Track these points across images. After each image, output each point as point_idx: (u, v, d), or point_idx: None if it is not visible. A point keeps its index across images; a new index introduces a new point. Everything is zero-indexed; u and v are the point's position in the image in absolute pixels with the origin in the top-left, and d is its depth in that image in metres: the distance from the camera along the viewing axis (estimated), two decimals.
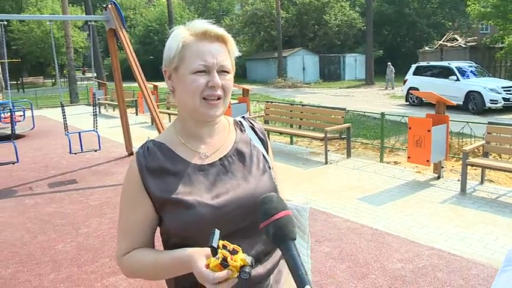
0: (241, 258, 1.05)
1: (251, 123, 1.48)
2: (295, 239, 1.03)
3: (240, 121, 1.47)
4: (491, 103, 15.10)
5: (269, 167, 1.40)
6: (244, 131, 1.44)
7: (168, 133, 1.38)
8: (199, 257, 1.10)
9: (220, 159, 1.33)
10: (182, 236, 1.24)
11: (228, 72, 1.27)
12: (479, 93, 15.24)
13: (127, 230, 1.30)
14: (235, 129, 1.43)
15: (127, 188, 1.31)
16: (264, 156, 1.41)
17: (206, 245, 1.09)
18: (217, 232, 1.07)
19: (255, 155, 1.39)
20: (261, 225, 1.05)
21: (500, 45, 23.17)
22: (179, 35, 1.26)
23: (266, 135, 1.49)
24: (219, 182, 1.29)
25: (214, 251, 1.05)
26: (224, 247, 1.07)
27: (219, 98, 1.26)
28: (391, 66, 26.07)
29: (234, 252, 1.06)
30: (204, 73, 1.23)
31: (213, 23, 1.28)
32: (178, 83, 1.28)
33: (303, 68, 33.14)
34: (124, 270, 1.33)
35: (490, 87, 15.29)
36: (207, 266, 1.07)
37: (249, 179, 1.32)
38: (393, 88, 25.17)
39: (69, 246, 4.63)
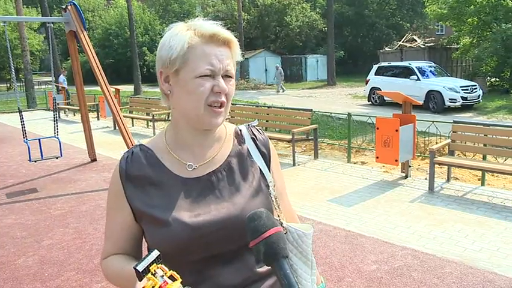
0: None
1: (253, 133, 1.33)
2: (287, 257, 0.98)
3: (240, 130, 1.33)
4: (450, 102, 15.50)
5: (267, 185, 1.26)
6: (243, 142, 1.30)
7: (158, 139, 1.27)
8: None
9: (208, 173, 1.21)
10: None
11: (232, 78, 1.18)
12: (439, 92, 15.63)
13: (109, 234, 1.25)
14: (233, 140, 1.30)
15: (110, 192, 1.25)
16: (262, 173, 1.28)
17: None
18: (154, 253, 0.98)
19: (250, 172, 1.26)
20: (251, 243, 0.98)
21: (456, 46, 23.95)
22: (183, 36, 1.13)
23: (270, 147, 1.34)
24: (202, 200, 1.18)
25: (139, 275, 0.95)
26: (162, 272, 0.97)
27: (221, 105, 1.16)
28: (280, 69, 25.96)
29: (172, 279, 0.97)
30: (209, 77, 1.14)
31: (222, 25, 1.17)
32: (179, 87, 1.16)
33: (265, 70, 33.15)
34: (103, 274, 1.27)
35: (449, 86, 15.69)
36: None
37: (237, 200, 1.19)
38: (284, 91, 25.24)
39: (31, 260, 4.36)
